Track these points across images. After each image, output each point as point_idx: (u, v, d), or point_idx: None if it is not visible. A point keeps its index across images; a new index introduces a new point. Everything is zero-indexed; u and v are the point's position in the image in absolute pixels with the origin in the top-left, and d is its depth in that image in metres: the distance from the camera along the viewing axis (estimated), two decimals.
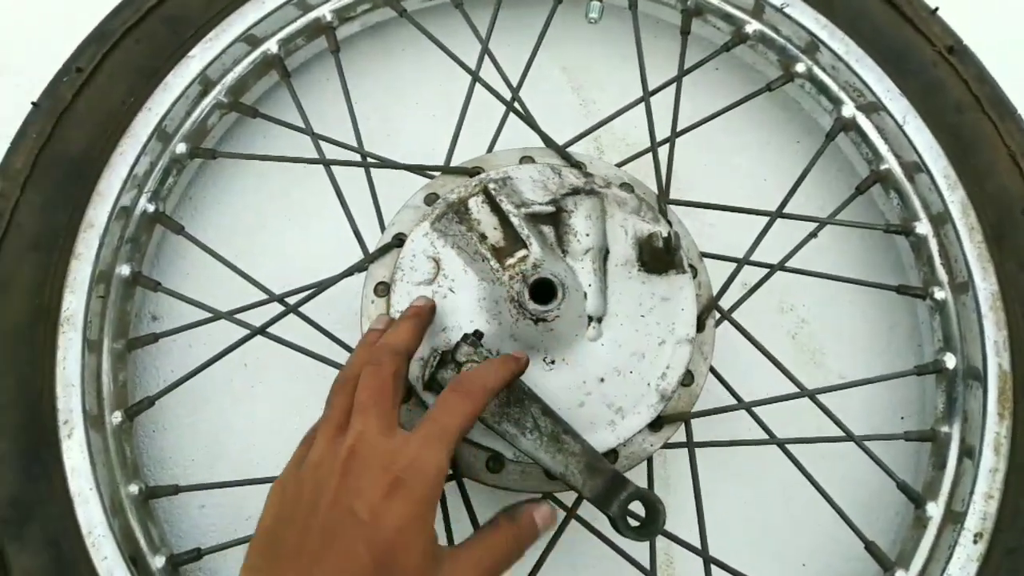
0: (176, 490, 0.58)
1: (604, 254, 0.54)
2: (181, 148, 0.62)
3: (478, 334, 0.49)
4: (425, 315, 0.50)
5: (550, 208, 0.54)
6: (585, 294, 0.52)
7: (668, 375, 0.52)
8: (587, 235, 0.53)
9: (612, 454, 0.52)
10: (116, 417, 0.57)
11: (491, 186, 0.54)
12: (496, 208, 0.53)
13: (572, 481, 0.45)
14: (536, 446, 0.46)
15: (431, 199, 0.58)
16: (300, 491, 0.41)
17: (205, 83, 0.62)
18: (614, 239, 0.54)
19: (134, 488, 0.56)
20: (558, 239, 0.54)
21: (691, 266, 0.57)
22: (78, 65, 0.59)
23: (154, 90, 0.60)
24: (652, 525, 0.44)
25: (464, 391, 0.43)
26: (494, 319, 0.52)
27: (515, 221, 0.53)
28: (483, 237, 0.53)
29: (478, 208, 0.54)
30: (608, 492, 0.45)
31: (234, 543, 0.56)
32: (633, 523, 0.45)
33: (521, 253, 0.52)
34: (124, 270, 0.60)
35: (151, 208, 0.61)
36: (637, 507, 0.45)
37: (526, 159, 0.59)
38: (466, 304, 0.53)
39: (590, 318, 0.52)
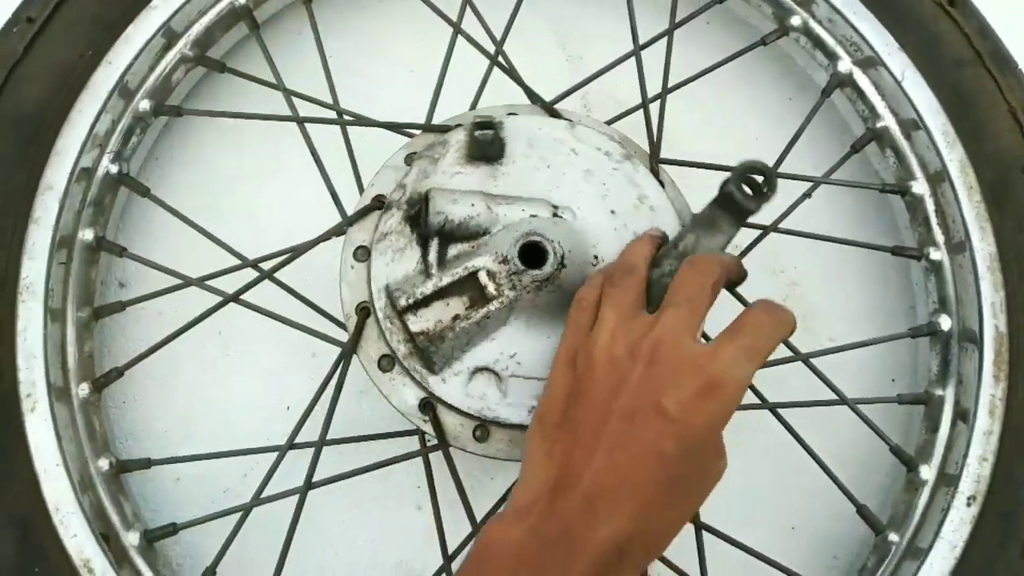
0: (149, 464, 0.55)
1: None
2: (145, 105, 0.59)
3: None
4: (660, 240, 0.50)
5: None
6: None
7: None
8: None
9: None
10: (83, 389, 0.55)
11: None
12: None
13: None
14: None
15: (411, 159, 0.55)
16: (593, 369, 0.40)
17: (169, 35, 0.58)
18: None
19: (104, 463, 0.54)
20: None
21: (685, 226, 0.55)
22: (28, 15, 0.55)
23: (114, 42, 0.56)
24: (765, 195, 0.45)
25: (769, 312, 0.42)
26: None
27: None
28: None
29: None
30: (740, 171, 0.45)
31: (210, 517, 0.54)
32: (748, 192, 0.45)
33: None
34: (87, 235, 0.56)
35: (114, 169, 0.58)
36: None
37: (511, 115, 0.56)
38: None
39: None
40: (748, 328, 0.41)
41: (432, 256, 0.50)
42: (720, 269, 0.44)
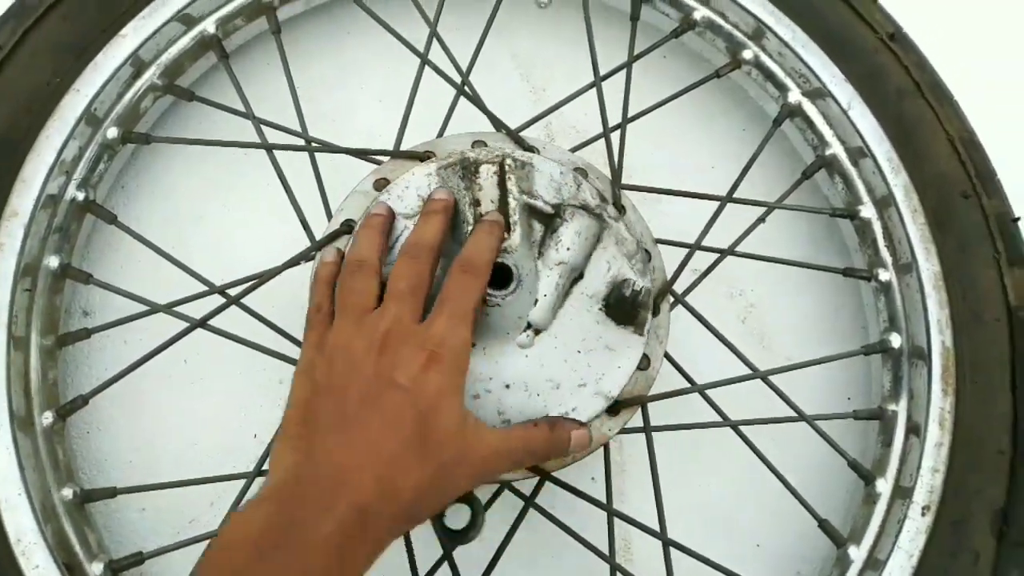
0: (115, 492, 0.55)
1: (576, 276, 0.52)
2: (112, 132, 0.59)
3: None
4: (451, 212, 0.51)
5: (550, 209, 0.52)
6: (536, 300, 0.51)
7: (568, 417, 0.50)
8: (568, 249, 0.52)
9: None
10: (47, 418, 0.54)
11: (509, 162, 0.53)
12: (503, 184, 0.52)
13: None
14: None
15: (380, 184, 0.56)
16: (331, 368, 0.44)
17: (138, 64, 0.59)
18: (593, 269, 0.52)
19: (68, 492, 0.53)
20: (541, 240, 0.53)
21: (646, 250, 0.56)
22: None
23: (83, 70, 0.56)
24: (468, 532, 0.45)
25: (471, 269, 0.47)
26: (441, 279, 0.50)
27: (512, 204, 0.51)
28: (476, 203, 0.52)
29: (487, 176, 0.52)
30: None
31: (176, 546, 0.54)
32: (452, 527, 0.46)
33: None
34: (52, 262, 0.56)
35: (80, 196, 0.58)
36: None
37: (478, 143, 0.58)
38: None
39: (529, 324, 0.51)
40: (450, 295, 0.46)
41: None
42: (428, 253, 0.48)
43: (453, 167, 0.53)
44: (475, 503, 0.46)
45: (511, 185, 0.52)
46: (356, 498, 0.38)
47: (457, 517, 0.48)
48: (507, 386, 0.50)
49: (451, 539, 0.45)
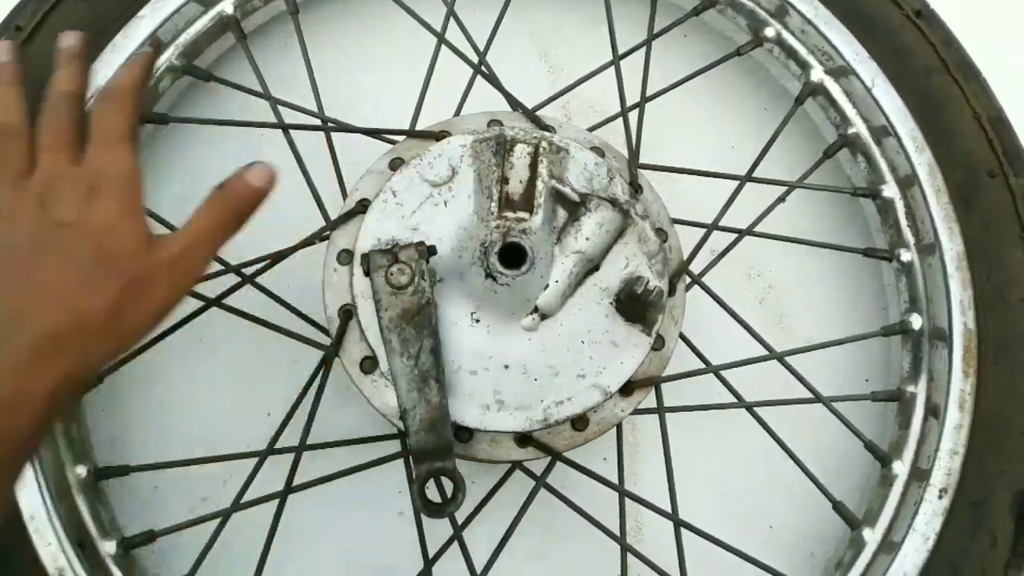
0: (127, 470, 0.55)
1: (591, 267, 0.52)
2: None
3: (432, 250, 0.49)
4: (86, 51, 0.50)
5: (576, 197, 0.52)
6: (547, 286, 0.51)
7: (563, 407, 0.50)
8: (587, 239, 0.51)
9: (581, 419, 0.52)
10: None
11: (544, 145, 0.53)
12: (534, 166, 0.52)
13: (408, 422, 0.46)
14: (403, 372, 0.46)
15: (396, 164, 0.56)
16: (14, 223, 0.43)
17: (156, 45, 0.59)
18: (611, 263, 0.52)
19: (82, 470, 0.54)
20: (563, 227, 0.52)
21: (660, 230, 0.56)
22: (17, 23, 0.55)
23: (101, 51, 0.57)
24: (448, 506, 0.45)
25: (108, 96, 0.48)
26: (457, 251, 0.52)
27: (539, 186, 0.52)
28: (504, 180, 0.52)
29: (520, 155, 0.53)
30: (428, 454, 0.45)
31: (189, 523, 0.54)
32: (432, 499, 0.46)
33: (522, 215, 0.51)
34: None
35: None
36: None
37: (494, 122, 0.58)
38: (447, 223, 0.52)
39: (536, 308, 0.51)
40: (95, 127, 0.46)
41: None
42: (68, 101, 0.47)
43: (488, 142, 0.53)
44: (456, 476, 0.45)
45: (542, 168, 0.52)
46: (41, 327, 0.39)
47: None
48: (506, 366, 0.50)
49: (430, 511, 0.45)
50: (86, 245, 0.42)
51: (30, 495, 0.50)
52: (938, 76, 0.61)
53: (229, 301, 0.56)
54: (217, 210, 0.47)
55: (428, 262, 0.48)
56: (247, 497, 0.53)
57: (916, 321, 0.59)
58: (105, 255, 0.42)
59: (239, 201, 0.48)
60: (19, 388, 0.39)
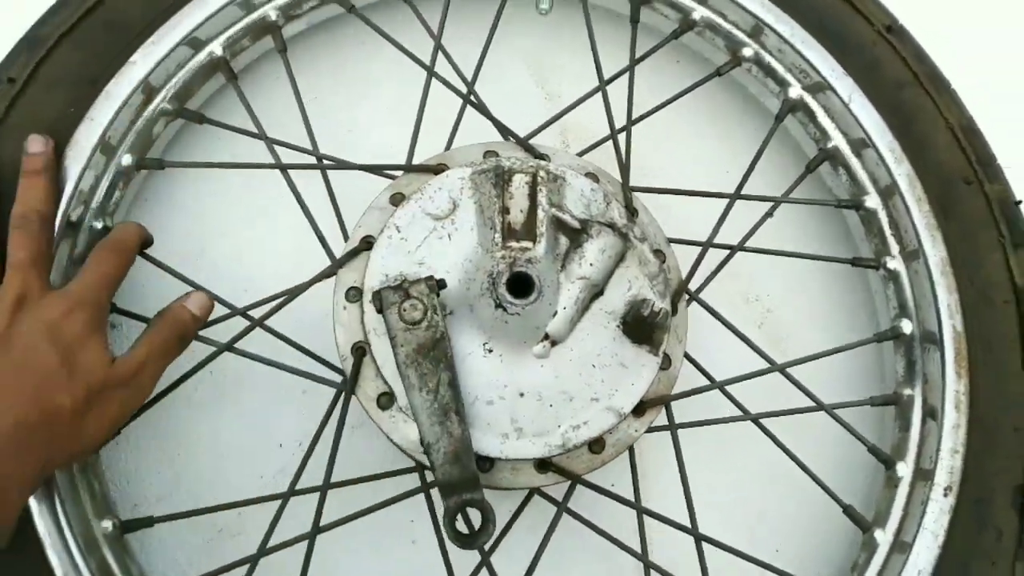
0: (151, 522, 0.54)
1: (596, 292, 0.53)
2: (127, 160, 0.59)
3: (442, 284, 0.50)
4: (53, 169, 0.54)
5: (577, 224, 0.53)
6: (555, 312, 0.52)
7: (580, 431, 0.51)
8: (591, 265, 0.53)
9: (597, 442, 0.53)
10: None
11: (542, 175, 0.54)
12: (533, 195, 0.53)
13: (432, 456, 0.47)
14: (424, 406, 0.47)
15: (396, 199, 0.57)
16: None
17: (148, 90, 0.59)
18: (614, 287, 0.53)
19: (107, 524, 0.53)
20: (566, 254, 0.53)
21: (659, 251, 0.57)
22: (9, 75, 0.55)
23: (95, 99, 0.56)
24: (479, 537, 0.46)
25: (114, 249, 0.53)
26: (465, 283, 0.52)
27: (540, 215, 0.53)
28: (506, 211, 0.53)
29: (519, 185, 0.54)
30: (456, 486, 0.46)
31: (220, 570, 0.53)
32: (461, 529, 0.46)
33: (526, 244, 0.52)
34: None
35: (99, 224, 0.58)
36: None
37: (490, 153, 0.59)
38: (453, 256, 0.53)
39: (547, 335, 0.52)
40: (88, 266, 0.52)
41: None
42: (40, 221, 0.52)
43: (486, 173, 0.54)
44: (486, 506, 0.46)
45: (541, 197, 0.53)
46: (16, 414, 0.43)
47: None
48: (521, 394, 0.51)
49: (463, 543, 0.46)
50: (56, 352, 0.46)
51: (59, 554, 0.49)
52: (910, 89, 0.64)
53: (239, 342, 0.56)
54: (163, 333, 0.52)
55: (439, 296, 0.49)
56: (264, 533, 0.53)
57: (907, 326, 0.61)
58: (73, 363, 0.47)
59: (181, 326, 0.53)
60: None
